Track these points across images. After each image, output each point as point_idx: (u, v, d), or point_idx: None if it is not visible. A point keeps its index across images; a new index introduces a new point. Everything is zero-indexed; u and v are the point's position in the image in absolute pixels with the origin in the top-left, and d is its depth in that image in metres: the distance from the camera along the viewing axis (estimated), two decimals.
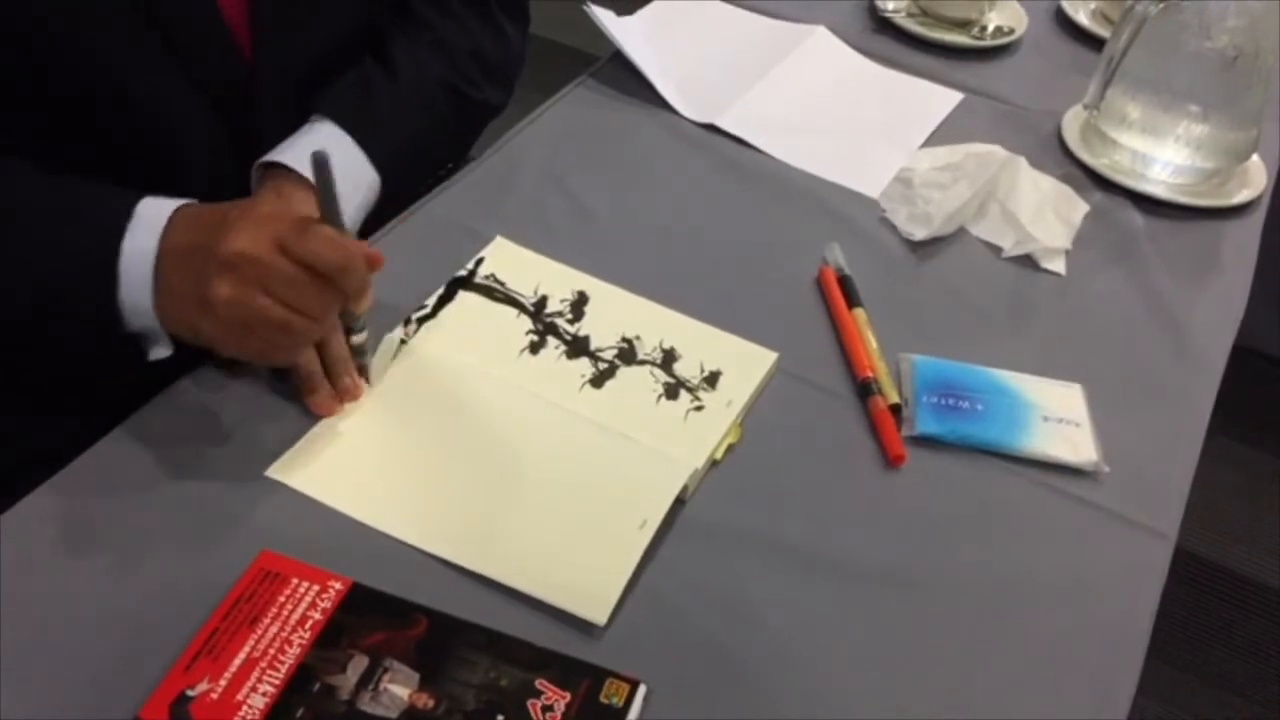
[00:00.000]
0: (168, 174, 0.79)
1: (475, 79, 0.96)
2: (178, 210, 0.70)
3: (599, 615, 0.65)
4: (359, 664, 0.61)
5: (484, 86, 0.97)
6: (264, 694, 0.59)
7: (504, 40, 1.00)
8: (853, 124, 1.13)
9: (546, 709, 0.60)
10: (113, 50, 0.74)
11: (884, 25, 1.28)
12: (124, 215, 0.69)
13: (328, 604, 0.63)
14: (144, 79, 0.76)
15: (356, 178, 0.86)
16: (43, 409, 0.84)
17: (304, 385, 0.74)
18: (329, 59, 0.87)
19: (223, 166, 0.83)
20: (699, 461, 0.74)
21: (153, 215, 0.69)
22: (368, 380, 0.77)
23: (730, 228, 0.98)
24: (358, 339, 0.74)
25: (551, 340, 0.83)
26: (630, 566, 0.68)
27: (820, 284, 0.92)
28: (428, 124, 0.93)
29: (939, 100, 1.18)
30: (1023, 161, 1.03)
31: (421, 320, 0.82)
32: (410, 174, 0.92)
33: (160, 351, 0.73)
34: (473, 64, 0.96)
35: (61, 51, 0.72)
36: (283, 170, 0.81)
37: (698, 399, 0.80)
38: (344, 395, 0.75)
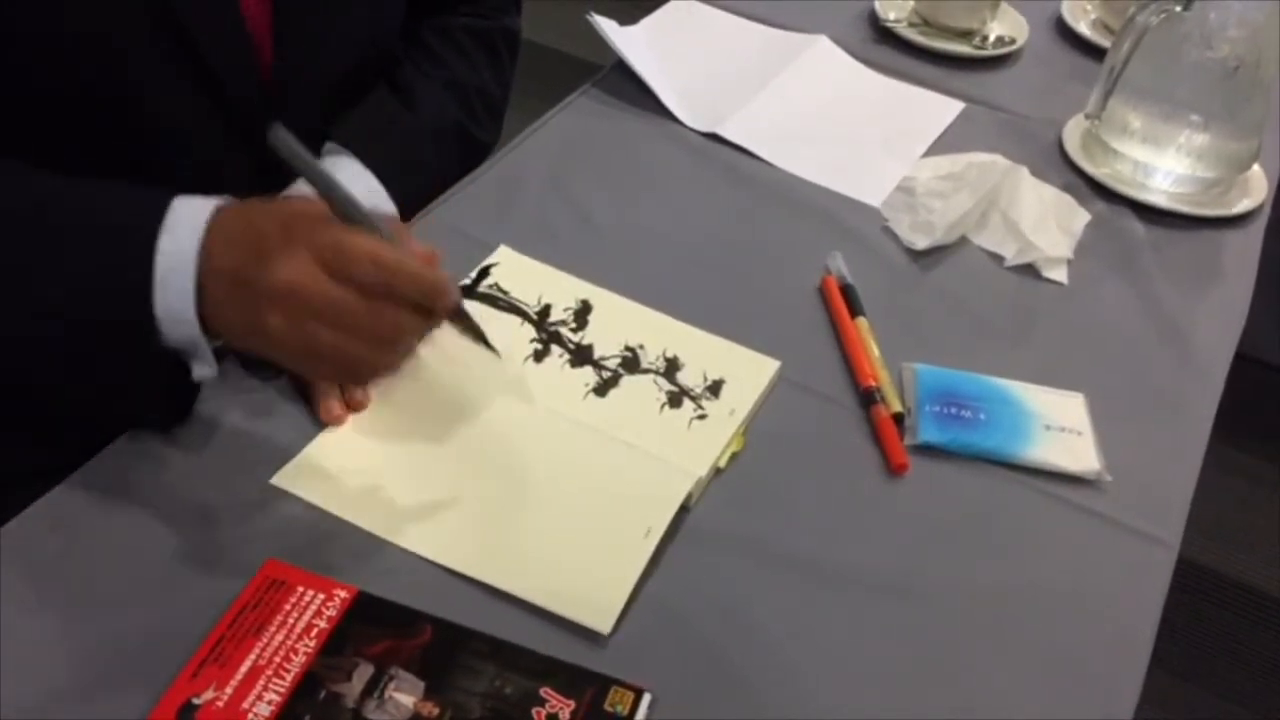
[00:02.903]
0: (183, 191, 0.79)
1: (481, 118, 0.98)
2: (214, 218, 0.64)
3: (603, 624, 0.65)
4: (364, 672, 0.61)
5: (486, 125, 0.99)
6: (270, 702, 0.59)
7: (504, 78, 1.01)
8: (855, 133, 1.13)
9: (551, 717, 0.60)
10: (132, 56, 0.73)
11: (885, 35, 1.28)
12: (156, 213, 0.64)
13: (333, 612, 0.63)
14: (162, 90, 0.76)
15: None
16: (45, 419, 0.84)
17: (313, 393, 0.75)
18: (348, 80, 0.88)
19: (240, 186, 0.83)
20: (703, 470, 0.75)
21: (188, 216, 0.64)
22: (492, 348, 0.72)
23: (733, 237, 0.98)
24: (459, 319, 0.70)
25: (555, 349, 0.83)
26: (635, 575, 0.68)
27: (823, 293, 0.92)
28: (441, 164, 0.95)
29: (941, 110, 1.18)
30: (1024, 171, 1.04)
31: None
32: (418, 210, 0.94)
33: (203, 370, 0.67)
34: (479, 103, 0.97)
35: (79, 54, 0.72)
36: None
37: (701, 407, 0.80)
38: (352, 405, 0.75)
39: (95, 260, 0.64)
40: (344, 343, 0.63)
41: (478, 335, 0.71)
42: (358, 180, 0.86)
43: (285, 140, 0.61)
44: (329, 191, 0.62)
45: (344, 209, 0.62)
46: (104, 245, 0.65)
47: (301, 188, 0.83)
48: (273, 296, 0.62)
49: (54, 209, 0.67)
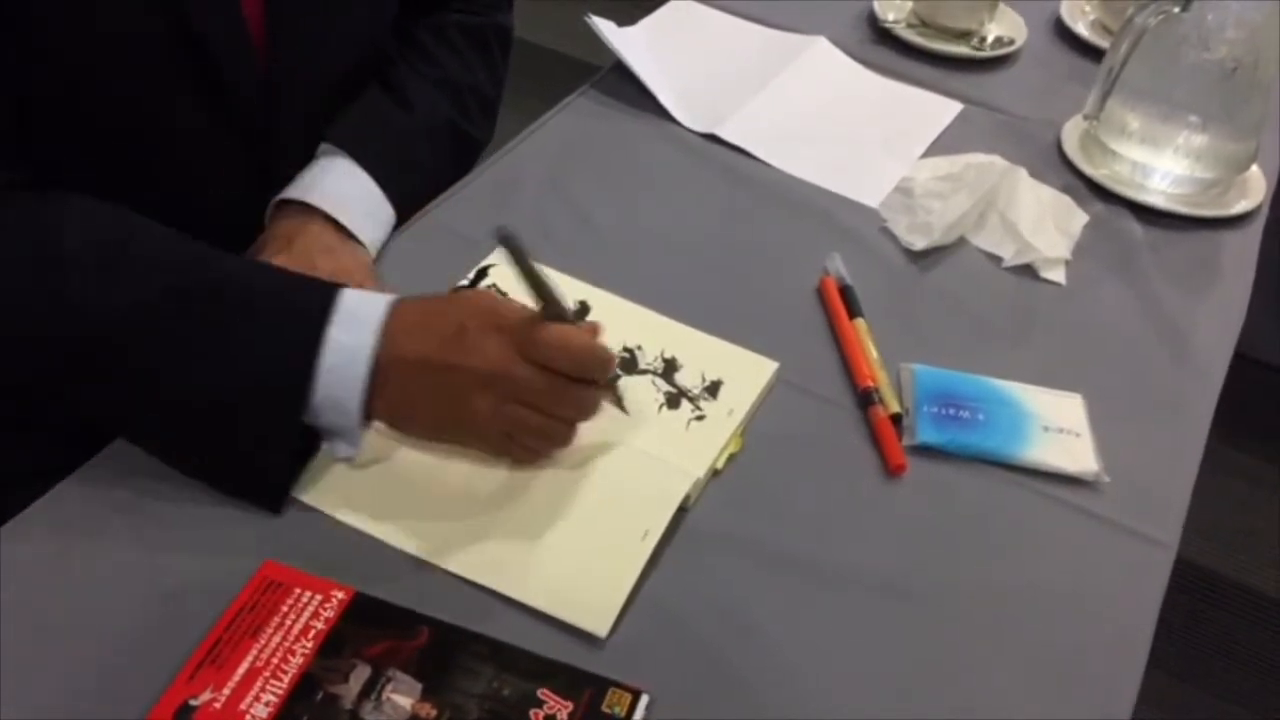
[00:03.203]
0: (180, 191, 0.79)
1: (474, 116, 0.98)
2: (393, 311, 0.67)
3: (601, 627, 0.65)
4: (362, 674, 0.61)
5: (480, 123, 0.99)
6: (267, 704, 0.59)
7: (498, 75, 1.02)
8: (853, 134, 1.13)
9: (549, 719, 0.60)
10: (134, 56, 0.73)
11: (884, 36, 1.28)
12: (324, 304, 0.66)
13: (330, 613, 0.63)
14: (163, 89, 0.76)
15: (379, 215, 0.87)
16: (45, 419, 0.84)
17: None
18: (345, 80, 0.88)
19: (237, 185, 0.83)
20: (701, 471, 0.75)
21: (361, 309, 0.67)
22: (625, 410, 0.76)
23: (731, 237, 0.98)
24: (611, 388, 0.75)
25: None
26: (633, 577, 0.68)
27: (821, 294, 0.92)
28: (435, 163, 0.95)
29: (939, 110, 1.18)
30: (1023, 172, 1.04)
31: None
32: (414, 209, 0.94)
33: (346, 450, 0.70)
34: (472, 100, 0.98)
35: (81, 54, 0.72)
36: (300, 206, 0.82)
37: (699, 408, 0.80)
38: None
39: (258, 342, 0.66)
40: (542, 421, 0.69)
41: (617, 400, 0.76)
42: (353, 180, 0.86)
43: (512, 240, 0.65)
44: (541, 288, 0.67)
45: (553, 307, 0.67)
46: (271, 327, 0.67)
47: (295, 192, 0.83)
48: (481, 380, 0.67)
49: (216, 288, 0.68)
